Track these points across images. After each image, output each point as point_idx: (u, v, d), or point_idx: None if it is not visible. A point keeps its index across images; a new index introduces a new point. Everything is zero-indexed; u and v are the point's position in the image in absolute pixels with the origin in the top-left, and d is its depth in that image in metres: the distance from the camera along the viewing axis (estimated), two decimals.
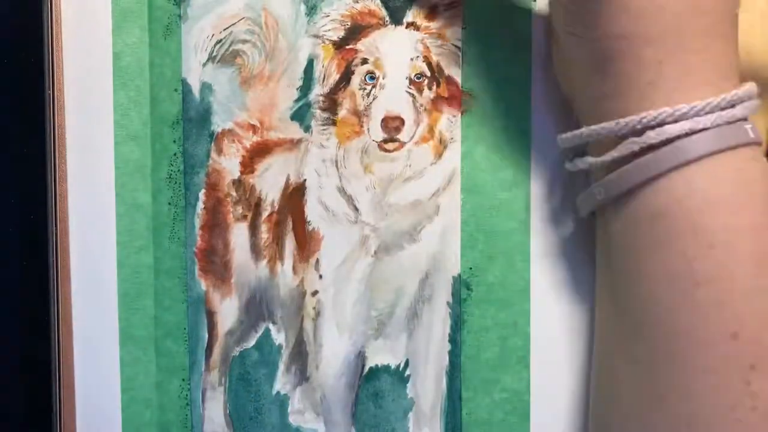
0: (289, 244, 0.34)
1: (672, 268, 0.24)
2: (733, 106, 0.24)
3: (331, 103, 0.33)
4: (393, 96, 0.33)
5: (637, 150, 0.24)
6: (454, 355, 0.34)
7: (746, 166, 0.24)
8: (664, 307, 0.24)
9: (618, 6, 0.24)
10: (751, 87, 0.24)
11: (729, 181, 0.24)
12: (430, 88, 0.33)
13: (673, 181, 0.24)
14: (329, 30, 0.33)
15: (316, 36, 0.33)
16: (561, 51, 0.29)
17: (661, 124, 0.24)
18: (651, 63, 0.24)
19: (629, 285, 0.26)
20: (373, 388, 0.34)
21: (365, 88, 0.33)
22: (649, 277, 0.25)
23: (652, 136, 0.24)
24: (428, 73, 0.33)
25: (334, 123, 0.33)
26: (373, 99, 0.33)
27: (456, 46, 0.33)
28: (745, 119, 0.24)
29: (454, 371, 0.34)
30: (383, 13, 0.33)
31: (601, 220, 0.28)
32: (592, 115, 0.27)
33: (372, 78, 0.33)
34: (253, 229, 0.34)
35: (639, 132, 0.24)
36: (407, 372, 0.34)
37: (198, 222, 0.34)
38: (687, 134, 0.24)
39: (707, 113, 0.24)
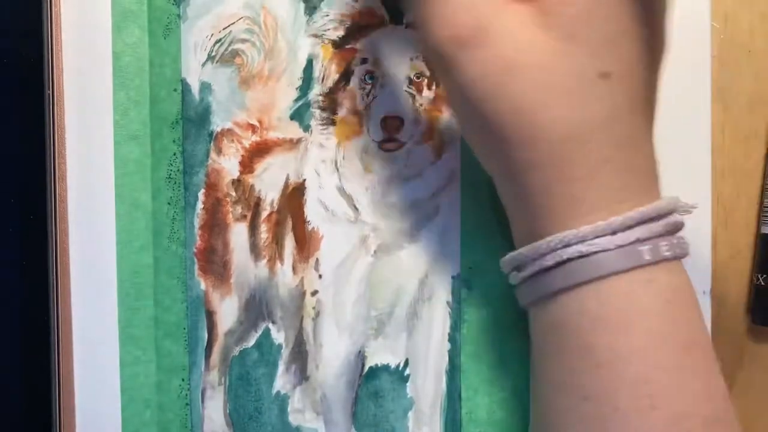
0: (289, 244, 0.34)
1: (564, 379, 0.25)
2: (628, 228, 0.24)
3: (331, 103, 0.33)
4: (393, 96, 0.33)
5: (536, 270, 0.26)
6: (454, 354, 0.34)
7: (636, 288, 0.24)
8: (555, 415, 0.25)
9: (501, 134, 0.24)
10: (647, 210, 0.24)
11: (617, 303, 0.24)
12: (429, 88, 0.33)
13: (569, 299, 0.25)
14: (329, 29, 0.33)
15: (316, 35, 0.33)
16: None
17: (554, 249, 0.25)
18: (538, 189, 0.25)
19: (534, 386, 0.27)
20: (373, 388, 0.34)
21: (365, 88, 0.33)
22: (546, 382, 0.26)
23: (548, 259, 0.25)
24: (428, 73, 0.33)
25: (333, 123, 0.33)
26: (373, 99, 0.33)
27: None
28: (643, 240, 0.24)
29: (454, 371, 0.34)
30: (383, 12, 0.33)
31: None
32: (515, 234, 0.28)
33: (371, 78, 0.33)
34: (253, 229, 0.34)
35: (539, 255, 0.25)
36: (407, 371, 0.34)
37: (197, 222, 0.34)
38: (579, 257, 0.24)
39: (597, 237, 0.24)
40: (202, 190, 0.34)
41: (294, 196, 0.34)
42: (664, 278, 0.24)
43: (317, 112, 0.33)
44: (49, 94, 0.32)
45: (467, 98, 0.24)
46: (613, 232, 0.24)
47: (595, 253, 0.24)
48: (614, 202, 0.24)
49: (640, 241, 0.24)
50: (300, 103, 0.33)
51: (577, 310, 0.25)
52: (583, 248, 0.24)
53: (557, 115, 0.23)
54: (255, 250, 0.34)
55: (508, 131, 0.24)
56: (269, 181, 0.34)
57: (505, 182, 0.26)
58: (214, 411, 0.34)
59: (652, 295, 0.24)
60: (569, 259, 0.24)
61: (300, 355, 0.34)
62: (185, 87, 0.34)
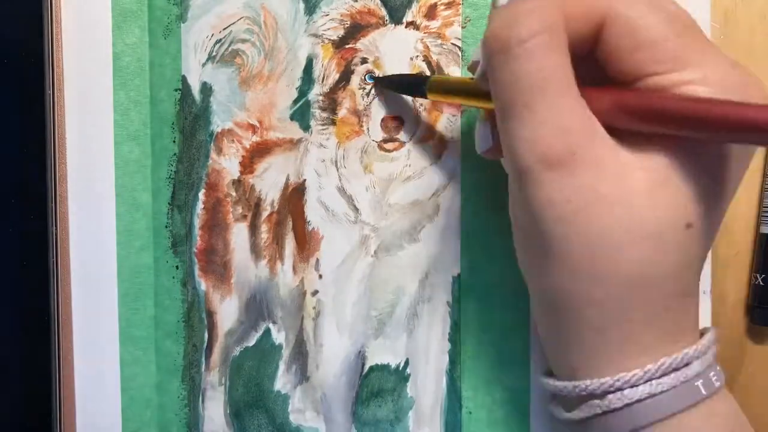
0: (289, 244, 0.34)
1: None
2: (683, 366, 0.24)
3: (331, 103, 0.33)
4: (393, 96, 0.33)
5: (600, 412, 0.25)
6: (454, 354, 0.34)
7: (702, 425, 0.24)
8: None
9: (565, 262, 0.23)
10: (700, 346, 0.24)
11: None
12: None
13: None
14: (329, 29, 0.33)
15: (316, 35, 0.33)
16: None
17: (618, 389, 0.24)
18: (593, 327, 0.24)
19: None
20: (374, 388, 0.34)
21: (365, 88, 0.33)
22: None
23: (612, 401, 0.24)
24: (428, 73, 0.33)
25: (333, 123, 0.33)
26: (373, 99, 0.33)
27: (456, 46, 0.33)
28: (696, 376, 0.24)
29: (454, 371, 0.34)
30: (383, 12, 0.33)
31: None
32: (552, 361, 0.27)
33: (372, 78, 0.33)
34: (253, 229, 0.34)
35: (598, 395, 0.25)
36: (407, 371, 0.34)
37: (198, 222, 0.34)
38: (639, 400, 0.24)
39: (652, 379, 0.24)
40: (203, 190, 0.34)
41: (294, 196, 0.34)
42: (722, 409, 0.24)
43: (317, 112, 0.33)
44: (49, 94, 0.32)
45: (540, 216, 0.23)
46: (671, 371, 0.24)
47: (659, 393, 0.24)
48: (669, 343, 0.24)
49: (697, 376, 0.24)
50: (300, 103, 0.33)
51: None
52: (648, 389, 0.24)
53: (634, 257, 0.22)
54: (255, 250, 0.34)
55: (575, 262, 0.23)
56: (269, 181, 0.34)
57: (550, 310, 0.25)
58: (214, 411, 0.34)
59: (715, 427, 0.24)
60: (636, 401, 0.24)
61: (300, 355, 0.34)
62: (185, 87, 0.33)
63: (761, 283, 0.34)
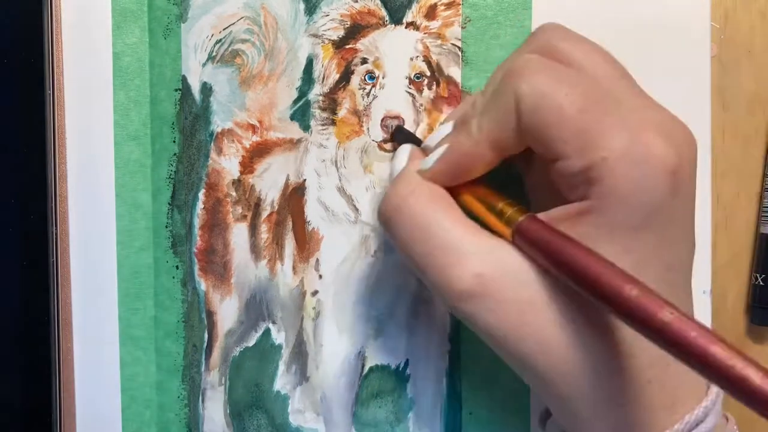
0: (289, 244, 0.34)
1: None
2: None
3: (331, 103, 0.33)
4: (393, 96, 0.33)
5: None
6: (454, 354, 0.34)
7: None
8: None
9: (520, 370, 0.26)
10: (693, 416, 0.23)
11: None
12: (429, 88, 0.33)
13: None
14: (329, 29, 0.33)
15: (316, 35, 0.33)
16: None
17: None
18: (584, 415, 0.25)
19: None
20: (374, 388, 0.34)
21: (365, 88, 0.33)
22: None
23: None
24: (428, 73, 0.33)
25: (333, 123, 0.33)
26: (373, 99, 0.33)
27: (456, 46, 0.33)
28: None
29: (454, 371, 0.34)
30: (383, 12, 0.33)
31: None
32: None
33: (371, 78, 0.33)
34: (253, 229, 0.34)
35: None
36: (407, 372, 0.34)
37: (197, 222, 0.34)
38: None
39: None
40: (202, 190, 0.34)
41: (294, 196, 0.34)
42: None
43: (317, 112, 0.33)
44: (49, 94, 0.32)
45: (486, 338, 0.25)
46: None
47: None
48: (667, 414, 0.24)
49: None
50: (300, 103, 0.33)
51: None
52: None
53: (544, 367, 0.24)
54: (255, 250, 0.34)
55: (520, 369, 0.25)
56: (269, 181, 0.34)
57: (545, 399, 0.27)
58: (214, 411, 0.34)
59: None
60: None
61: (300, 355, 0.34)
62: (185, 87, 0.34)
63: (761, 283, 0.34)
